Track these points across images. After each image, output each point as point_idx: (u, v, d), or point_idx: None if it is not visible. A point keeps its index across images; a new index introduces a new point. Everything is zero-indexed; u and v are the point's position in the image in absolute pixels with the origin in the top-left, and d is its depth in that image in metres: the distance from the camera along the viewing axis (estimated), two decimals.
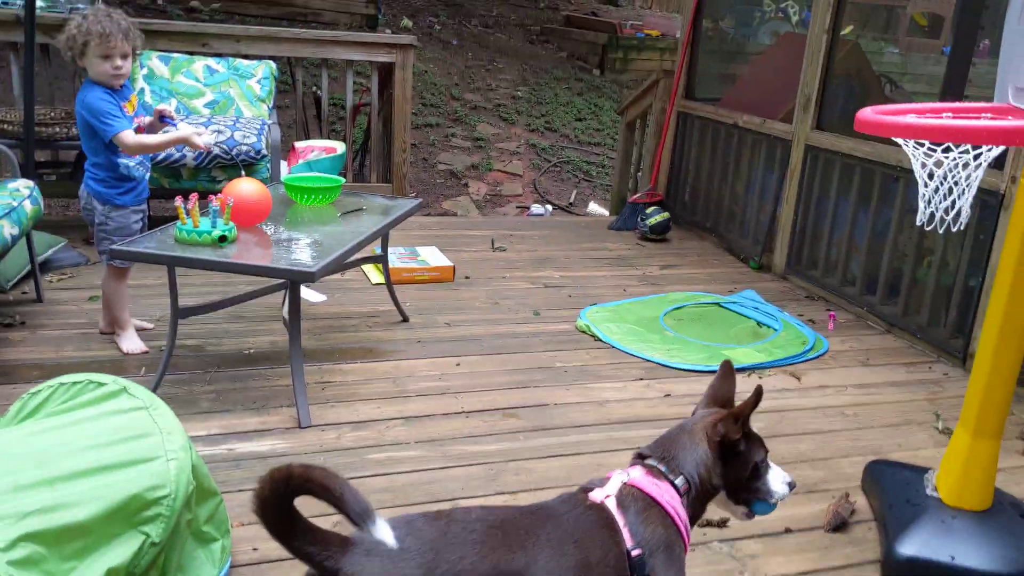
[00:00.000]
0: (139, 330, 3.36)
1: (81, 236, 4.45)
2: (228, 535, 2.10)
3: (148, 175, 3.24)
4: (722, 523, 2.44)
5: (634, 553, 1.46)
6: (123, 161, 3.08)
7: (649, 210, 5.46)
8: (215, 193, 2.95)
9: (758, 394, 1.63)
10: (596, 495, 1.53)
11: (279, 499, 1.30)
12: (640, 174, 6.35)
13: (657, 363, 3.54)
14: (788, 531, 2.45)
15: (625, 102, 6.54)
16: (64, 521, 1.54)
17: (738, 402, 1.72)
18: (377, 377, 3.24)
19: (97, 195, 3.10)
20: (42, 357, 3.20)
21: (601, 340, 3.74)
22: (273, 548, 2.17)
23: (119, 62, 2.97)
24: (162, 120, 3.14)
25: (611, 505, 1.51)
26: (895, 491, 2.49)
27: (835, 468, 2.82)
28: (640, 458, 1.64)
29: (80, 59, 2.97)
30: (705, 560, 2.29)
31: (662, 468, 1.58)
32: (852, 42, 5.24)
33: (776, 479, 1.71)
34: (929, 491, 2.42)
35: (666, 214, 5.44)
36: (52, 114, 4.50)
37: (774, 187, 4.91)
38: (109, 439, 1.72)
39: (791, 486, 1.72)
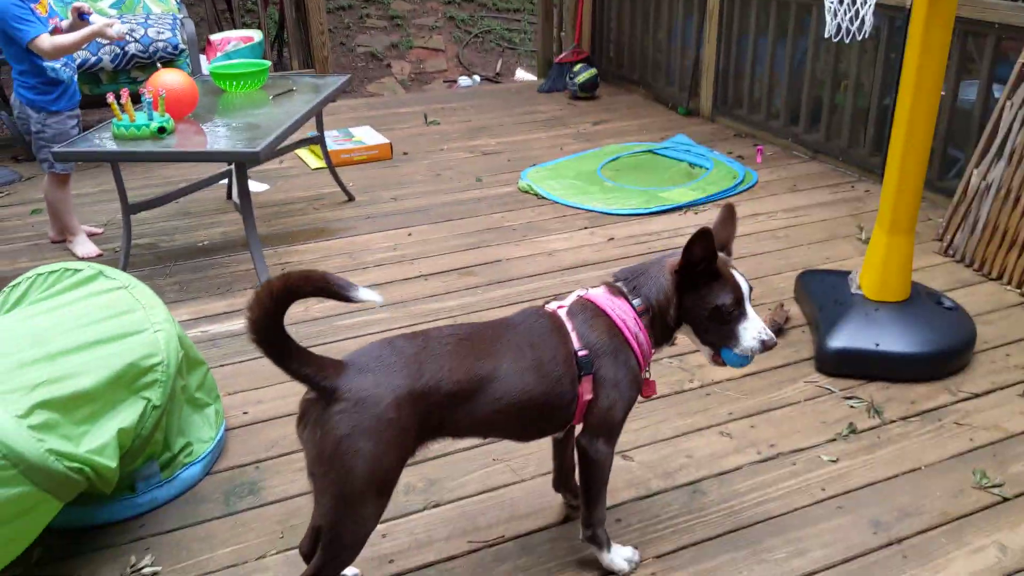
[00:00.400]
0: (90, 235, 3.38)
1: (9, 155, 4.36)
2: (219, 400, 2.24)
3: (76, 77, 3.19)
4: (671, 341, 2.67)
5: (580, 353, 1.62)
6: (48, 64, 3.03)
7: (576, 68, 5.52)
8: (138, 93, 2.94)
9: (729, 209, 1.71)
10: (551, 306, 1.70)
11: (270, 316, 1.38)
12: (563, 34, 6.34)
13: (599, 212, 3.71)
14: None
15: None
16: (71, 390, 1.66)
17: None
18: (333, 253, 3.35)
19: (30, 103, 3.06)
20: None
21: (544, 197, 3.88)
22: (262, 411, 2.36)
23: None
24: (81, 18, 3.07)
25: (562, 314, 1.67)
26: (823, 294, 2.73)
27: (769, 284, 3.06)
28: (611, 280, 1.74)
29: None
30: (657, 373, 2.49)
31: (623, 288, 1.69)
32: None
33: (749, 331, 1.62)
34: (853, 289, 2.66)
35: (593, 70, 5.50)
36: None
37: (695, 31, 5.00)
38: (97, 316, 1.82)
39: (764, 344, 1.62)
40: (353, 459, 1.42)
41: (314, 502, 1.52)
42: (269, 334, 1.39)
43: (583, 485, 1.74)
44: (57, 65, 3.04)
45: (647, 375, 1.74)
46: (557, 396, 1.62)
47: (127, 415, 1.79)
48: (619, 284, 1.72)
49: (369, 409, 1.43)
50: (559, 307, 1.70)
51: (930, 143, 2.45)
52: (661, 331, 1.71)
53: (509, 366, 1.57)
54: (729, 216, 1.76)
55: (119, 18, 4.28)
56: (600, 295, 1.70)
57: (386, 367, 1.47)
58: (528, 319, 1.67)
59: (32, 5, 2.96)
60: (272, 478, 2.10)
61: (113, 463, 1.72)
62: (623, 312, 1.67)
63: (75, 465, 1.63)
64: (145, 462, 1.96)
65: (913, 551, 1.84)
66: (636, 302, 1.68)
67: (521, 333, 1.63)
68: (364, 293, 1.45)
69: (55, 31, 3.03)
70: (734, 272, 1.65)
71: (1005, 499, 1.99)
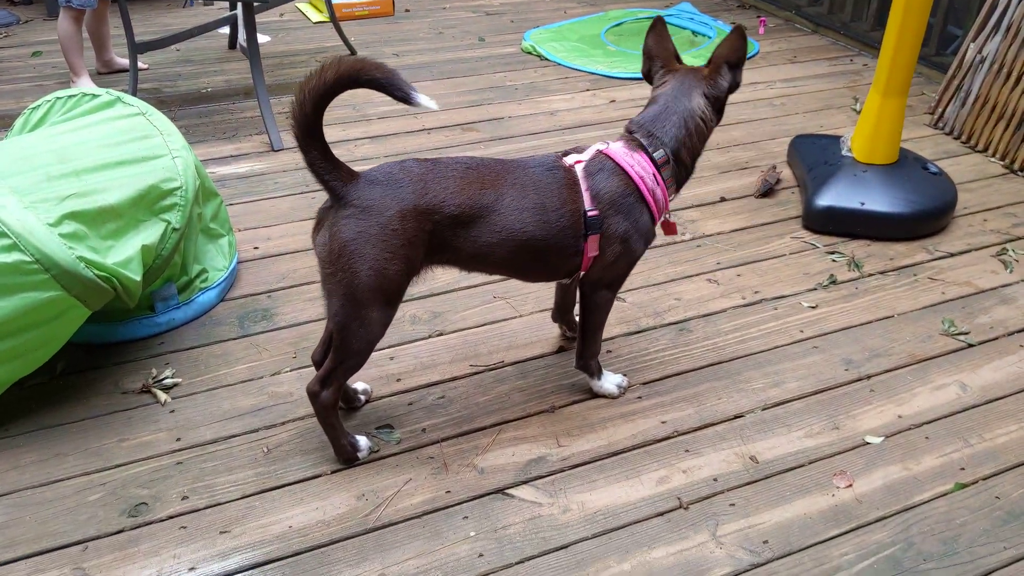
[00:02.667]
0: (116, 70, 3.43)
1: None
2: (232, 233, 2.34)
3: None
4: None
5: (590, 213, 1.67)
6: None
7: None
8: None
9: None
10: (568, 159, 1.73)
11: (317, 101, 1.44)
12: None
13: (601, 75, 3.73)
14: (723, 200, 2.79)
15: None
16: (98, 204, 1.75)
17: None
18: (337, 104, 3.26)
19: None
20: (5, 108, 3.25)
21: (546, 59, 3.88)
22: (271, 246, 2.46)
23: None
24: None
25: (579, 170, 1.70)
26: (814, 156, 2.81)
27: (763, 148, 3.13)
28: (628, 132, 1.76)
29: None
30: None
31: (643, 141, 1.72)
32: None
33: None
34: (844, 152, 2.74)
35: None
36: None
37: None
38: (118, 139, 1.89)
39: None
40: (359, 262, 1.52)
41: (326, 307, 1.63)
42: (311, 113, 1.45)
43: (582, 322, 1.87)
44: None
45: (668, 217, 1.82)
46: (558, 246, 1.68)
47: (149, 234, 1.88)
48: (637, 136, 1.73)
49: (374, 217, 1.52)
50: (577, 161, 1.72)
51: (929, 5, 2.48)
52: (683, 173, 1.77)
53: (510, 202, 1.63)
54: (662, 28, 1.83)
55: None
56: (619, 151, 1.72)
57: (394, 182, 1.56)
58: (543, 164, 1.71)
59: None
60: (283, 306, 2.22)
61: (137, 277, 1.83)
62: (642, 169, 1.70)
63: (103, 274, 1.73)
64: (164, 283, 2.07)
65: (880, 386, 2.00)
66: (657, 154, 1.71)
67: (530, 176, 1.68)
68: (423, 99, 1.49)
69: None
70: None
71: (970, 345, 2.13)
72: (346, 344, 1.62)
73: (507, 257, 1.68)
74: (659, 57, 1.82)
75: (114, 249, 1.80)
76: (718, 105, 1.76)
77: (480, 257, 1.67)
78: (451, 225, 1.60)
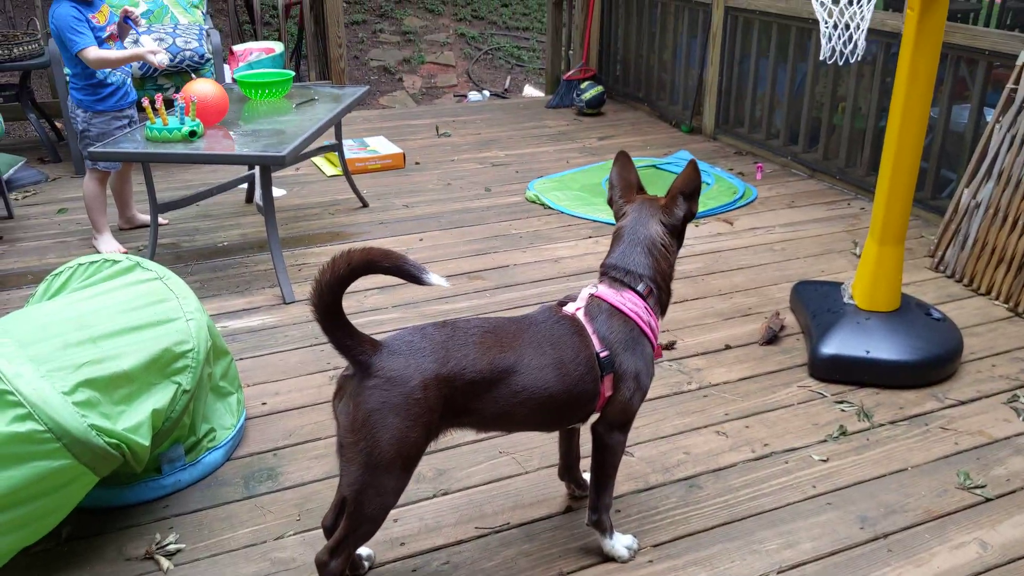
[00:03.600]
0: (138, 226, 3.62)
1: (36, 156, 4.53)
2: (241, 390, 2.36)
3: (128, 79, 3.38)
4: (670, 345, 2.79)
5: (602, 354, 1.74)
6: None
7: (584, 85, 5.66)
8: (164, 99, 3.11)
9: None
10: (568, 308, 1.80)
11: (339, 284, 1.52)
12: (572, 52, 6.50)
13: (603, 222, 3.84)
14: (728, 347, 2.81)
15: None
16: (112, 370, 1.78)
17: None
18: None
19: (79, 103, 3.29)
20: (28, 266, 3.36)
21: (550, 207, 4.01)
22: (279, 402, 2.48)
23: None
24: (125, 21, 3.27)
25: (581, 316, 1.78)
26: (817, 303, 2.85)
27: (766, 294, 3.18)
28: (603, 273, 1.86)
29: None
30: (658, 376, 2.63)
31: (624, 280, 1.80)
32: None
33: None
34: (846, 299, 2.78)
35: (600, 87, 5.64)
36: None
37: (699, 52, 5.14)
38: (135, 304, 1.95)
39: None
40: (381, 431, 1.55)
41: (341, 474, 1.63)
42: (329, 301, 1.53)
43: (595, 470, 1.86)
44: (108, 69, 3.23)
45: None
46: (579, 394, 1.73)
47: (160, 397, 1.90)
48: (617, 275, 1.81)
49: (398, 387, 1.55)
50: (576, 309, 1.79)
51: (919, 157, 2.58)
52: (664, 298, 1.86)
53: (529, 361, 1.68)
54: (626, 160, 1.93)
55: (148, 27, 4.43)
56: (609, 292, 1.80)
57: (416, 351, 1.60)
58: (549, 319, 1.77)
59: (91, 15, 3.15)
60: (289, 465, 2.22)
61: (147, 442, 1.84)
62: (634, 304, 1.78)
63: (113, 441, 1.74)
64: (171, 445, 2.07)
65: (898, 545, 1.95)
66: (640, 287, 1.79)
67: (542, 331, 1.74)
68: (434, 278, 1.58)
69: (110, 37, 3.24)
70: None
71: (987, 499, 2.09)
72: (361, 511, 1.61)
73: (529, 414, 1.71)
74: (620, 188, 1.92)
75: (125, 414, 1.82)
76: (676, 232, 1.87)
77: (502, 417, 1.71)
78: (472, 391, 1.64)
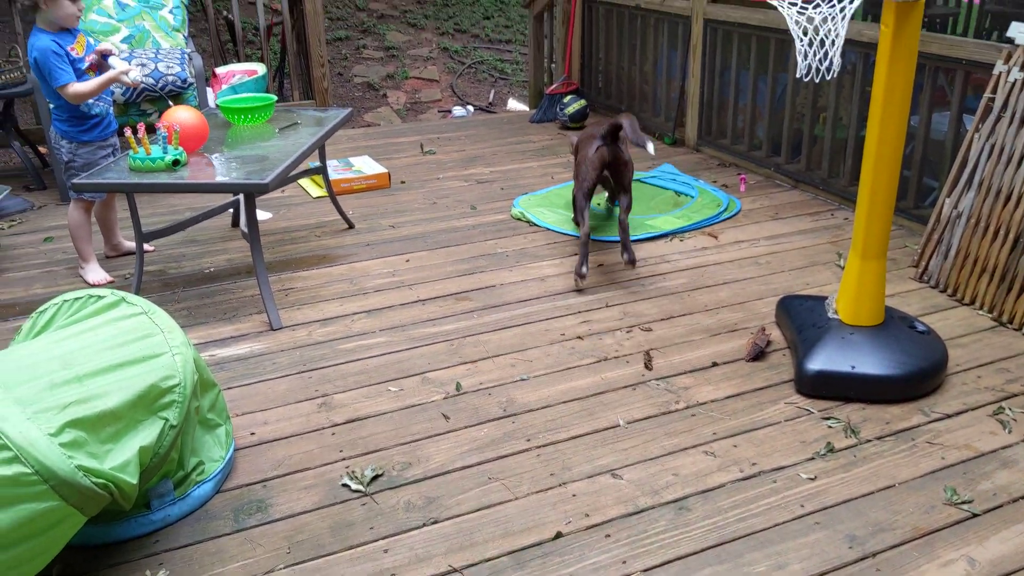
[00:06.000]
0: (124, 253, 3.65)
1: (20, 184, 4.51)
2: (229, 421, 2.36)
3: (111, 108, 3.38)
4: (647, 363, 2.80)
5: None
6: None
7: (567, 99, 5.69)
8: (148, 125, 3.12)
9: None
10: None
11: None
12: (554, 66, 6.53)
13: None
14: (715, 365, 2.82)
15: None
16: (98, 409, 1.78)
17: None
18: (334, 279, 3.47)
19: (64, 134, 3.28)
20: (14, 296, 3.34)
21: (536, 225, 4.02)
22: (268, 432, 2.48)
23: (81, 3, 3.19)
24: (104, 59, 3.27)
25: None
26: (802, 318, 2.87)
27: (752, 309, 3.20)
28: None
29: (46, 4, 3.09)
30: (645, 396, 2.65)
31: None
32: None
33: None
34: (830, 314, 2.80)
35: (583, 101, 5.67)
36: None
37: (679, 64, 5.18)
38: (120, 340, 1.94)
39: None
40: None
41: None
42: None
43: None
44: (90, 100, 3.23)
45: None
46: None
47: (147, 434, 1.90)
48: None
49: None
50: None
51: (898, 172, 2.60)
52: None
53: None
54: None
55: (130, 52, 4.43)
56: None
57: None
58: None
59: (69, 46, 3.14)
60: (279, 496, 2.21)
61: (134, 480, 1.84)
62: None
63: (101, 481, 1.74)
64: (160, 480, 2.07)
65: (886, 564, 1.96)
66: None
67: None
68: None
69: (90, 68, 3.24)
70: None
71: (974, 515, 2.11)
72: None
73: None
74: None
75: (112, 453, 1.82)
76: None
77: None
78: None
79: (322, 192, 4.34)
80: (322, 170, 3.86)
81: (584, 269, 3.31)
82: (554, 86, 6.09)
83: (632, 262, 3.35)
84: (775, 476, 2.27)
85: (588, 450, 2.38)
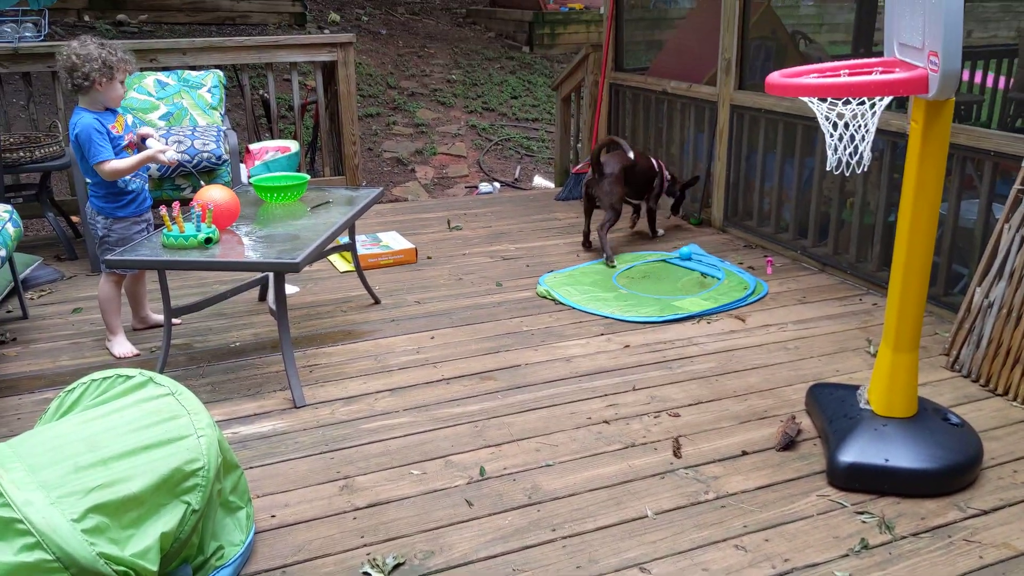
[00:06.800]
0: (151, 326, 3.69)
1: (52, 254, 4.59)
2: (251, 504, 2.33)
3: (147, 186, 3.47)
4: (676, 449, 2.75)
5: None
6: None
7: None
8: (182, 200, 3.18)
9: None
10: None
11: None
12: (580, 145, 6.63)
13: (614, 319, 3.84)
14: (744, 453, 2.77)
15: (558, 78, 6.79)
16: (122, 494, 1.77)
17: None
18: (359, 356, 3.48)
19: (100, 210, 3.36)
20: (41, 368, 3.37)
21: (561, 303, 4.02)
22: (289, 514, 2.45)
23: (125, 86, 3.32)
24: (143, 142, 3.37)
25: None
26: (833, 408, 2.82)
27: (781, 396, 3.15)
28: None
29: (101, 85, 3.20)
30: (674, 485, 2.59)
31: None
32: (765, 4, 5.57)
33: None
34: (862, 404, 2.75)
35: None
36: (11, 140, 4.60)
37: (706, 147, 5.24)
38: (146, 422, 1.94)
39: None
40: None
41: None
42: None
43: None
44: (127, 177, 3.32)
45: None
46: None
47: (169, 519, 1.88)
48: None
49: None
50: None
51: (930, 265, 2.58)
52: None
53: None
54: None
55: (168, 131, 4.56)
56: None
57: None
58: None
59: (109, 125, 3.24)
60: None
61: (154, 567, 1.81)
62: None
63: (121, 568, 1.72)
64: (180, 565, 2.04)
65: None
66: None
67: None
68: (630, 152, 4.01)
69: (129, 145, 3.34)
70: None
71: None
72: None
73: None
74: None
75: (134, 538, 1.80)
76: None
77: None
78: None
79: (350, 267, 4.39)
80: (351, 246, 3.90)
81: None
82: (580, 165, 6.17)
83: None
84: (809, 574, 2.19)
85: (615, 542, 2.32)
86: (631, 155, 4.63)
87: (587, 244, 4.85)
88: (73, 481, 1.73)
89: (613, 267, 4.49)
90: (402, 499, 2.51)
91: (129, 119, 3.46)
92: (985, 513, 2.44)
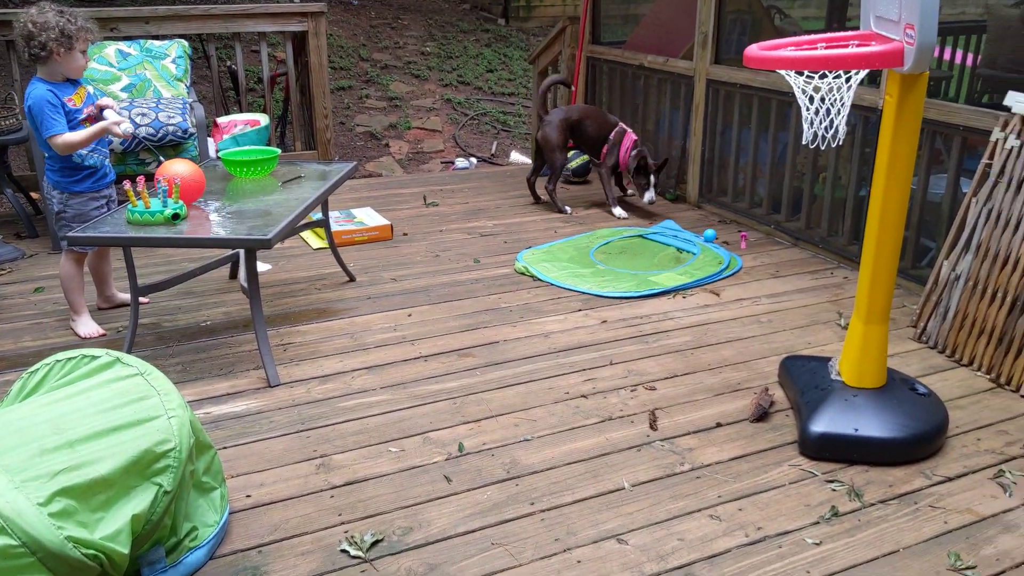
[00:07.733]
0: (117, 305, 3.60)
1: (12, 232, 4.49)
2: (224, 484, 2.31)
3: (107, 160, 3.38)
4: (653, 424, 2.77)
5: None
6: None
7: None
8: (147, 176, 3.11)
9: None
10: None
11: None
12: None
13: (592, 294, 3.84)
14: (719, 425, 2.80)
15: (535, 51, 6.73)
16: (90, 476, 1.74)
17: None
18: (335, 334, 3.45)
19: (56, 184, 3.26)
20: (3, 350, 3.31)
21: (539, 279, 4.02)
22: (264, 494, 2.44)
23: (87, 55, 3.21)
24: (101, 113, 3.26)
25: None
26: (805, 380, 2.85)
27: (755, 368, 3.18)
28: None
29: (59, 55, 3.09)
30: (650, 457, 2.61)
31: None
32: None
33: None
34: (833, 376, 2.78)
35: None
36: None
37: (681, 122, 5.23)
38: (114, 403, 1.91)
39: None
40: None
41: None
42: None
43: None
44: (84, 151, 3.23)
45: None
46: None
47: (140, 501, 1.86)
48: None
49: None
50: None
51: (900, 239, 2.60)
52: None
53: None
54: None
55: (131, 103, 4.47)
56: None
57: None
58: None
59: (66, 97, 3.15)
60: (274, 563, 2.16)
61: (126, 549, 1.79)
62: None
63: (91, 552, 1.70)
64: (152, 547, 2.02)
65: None
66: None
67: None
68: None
69: (87, 119, 3.23)
70: None
71: None
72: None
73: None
74: None
75: (104, 521, 1.78)
76: None
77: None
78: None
79: (323, 244, 4.35)
80: (324, 222, 3.86)
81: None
82: None
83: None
84: (780, 541, 2.23)
85: (593, 514, 2.34)
86: (572, 89, 4.89)
87: (535, 197, 5.19)
88: (38, 464, 1.70)
89: (567, 213, 4.99)
90: (380, 476, 2.51)
91: (91, 90, 3.37)
92: (950, 480, 2.49)
